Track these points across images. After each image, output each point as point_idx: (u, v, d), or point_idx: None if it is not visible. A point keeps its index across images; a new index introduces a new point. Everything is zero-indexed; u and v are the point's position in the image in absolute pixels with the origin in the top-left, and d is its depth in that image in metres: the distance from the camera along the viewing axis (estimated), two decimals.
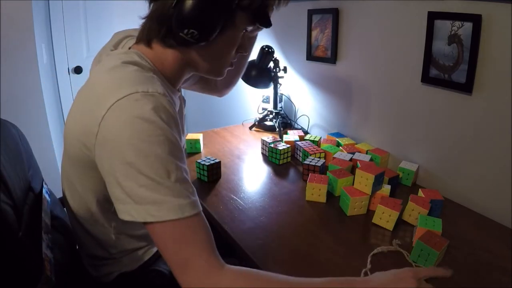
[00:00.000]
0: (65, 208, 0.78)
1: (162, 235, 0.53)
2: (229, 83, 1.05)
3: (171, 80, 0.70)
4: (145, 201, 0.52)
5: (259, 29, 0.68)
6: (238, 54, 0.71)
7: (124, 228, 0.74)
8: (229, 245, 0.86)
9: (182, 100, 0.87)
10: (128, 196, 0.53)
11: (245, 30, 0.66)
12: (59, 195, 0.97)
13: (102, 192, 0.64)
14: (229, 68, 0.72)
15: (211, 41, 0.61)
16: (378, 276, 0.61)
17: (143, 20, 0.66)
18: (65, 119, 2.37)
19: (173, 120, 0.57)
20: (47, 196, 0.82)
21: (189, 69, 0.71)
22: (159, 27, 0.62)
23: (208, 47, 0.64)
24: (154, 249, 0.82)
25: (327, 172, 1.05)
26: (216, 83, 1.04)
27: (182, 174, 0.56)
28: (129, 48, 0.69)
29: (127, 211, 0.54)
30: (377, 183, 0.94)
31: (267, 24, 0.65)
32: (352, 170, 1.11)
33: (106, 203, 0.67)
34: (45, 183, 0.86)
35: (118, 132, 0.53)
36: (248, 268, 0.57)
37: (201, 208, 0.57)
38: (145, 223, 0.53)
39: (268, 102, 1.72)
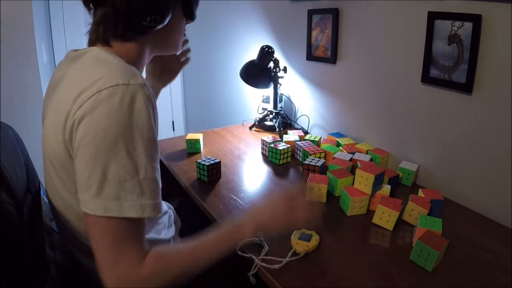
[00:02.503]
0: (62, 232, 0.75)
1: (104, 229, 0.54)
2: None
3: (138, 70, 0.71)
4: (107, 195, 0.53)
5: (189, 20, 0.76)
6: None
7: None
8: None
9: None
10: (89, 187, 0.53)
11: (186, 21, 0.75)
12: None
13: None
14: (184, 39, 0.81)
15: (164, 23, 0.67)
16: (256, 211, 0.71)
17: (91, 26, 0.68)
18: None
19: (154, 113, 0.58)
20: (45, 197, 0.82)
21: (150, 53, 0.75)
22: (115, 27, 0.65)
23: (164, 27, 0.68)
24: None
25: (327, 172, 1.05)
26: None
27: (153, 173, 0.56)
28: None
29: (85, 203, 0.54)
30: (377, 183, 0.94)
31: None
32: (352, 170, 1.11)
33: None
34: (42, 185, 0.86)
35: (98, 119, 0.53)
36: (162, 247, 0.60)
37: (162, 211, 0.58)
38: (86, 214, 0.54)
39: (268, 102, 1.72)
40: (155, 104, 0.60)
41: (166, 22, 0.67)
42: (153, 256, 0.57)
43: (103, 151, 0.53)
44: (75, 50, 0.69)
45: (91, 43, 0.68)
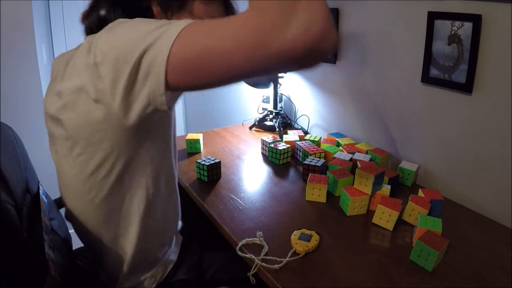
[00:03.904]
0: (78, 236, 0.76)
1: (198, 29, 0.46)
2: None
3: None
4: (160, 34, 0.47)
5: None
6: None
7: (150, 229, 0.73)
8: (229, 245, 0.86)
9: None
10: (145, 35, 0.48)
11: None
12: (54, 196, 0.97)
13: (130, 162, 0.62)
14: None
15: (174, 18, 0.64)
16: None
17: (87, 13, 0.65)
18: None
19: None
20: (44, 197, 0.82)
21: None
22: (113, 12, 0.63)
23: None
24: (172, 262, 0.82)
25: (327, 172, 1.05)
26: None
27: None
28: None
29: (154, 53, 0.47)
30: (377, 183, 0.94)
31: None
32: (352, 170, 1.11)
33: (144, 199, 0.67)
34: (41, 185, 0.86)
35: (110, 35, 0.52)
36: None
37: None
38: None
39: (268, 102, 1.72)
40: None
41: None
42: None
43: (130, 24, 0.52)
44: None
45: (89, 31, 0.66)
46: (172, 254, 0.83)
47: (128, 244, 0.71)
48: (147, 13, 0.64)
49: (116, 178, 0.63)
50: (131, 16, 0.56)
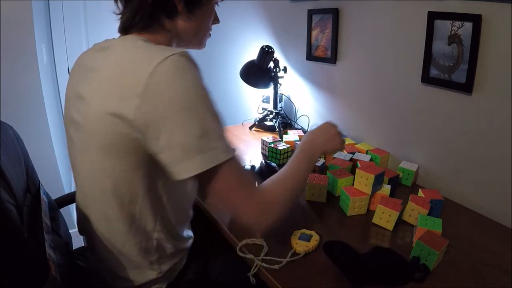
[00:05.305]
0: (92, 225, 0.74)
1: (220, 177, 0.60)
2: None
3: None
4: (201, 150, 0.57)
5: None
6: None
7: (167, 223, 0.73)
8: (229, 245, 0.86)
9: None
10: (184, 151, 0.57)
11: (217, 3, 0.77)
12: (55, 196, 0.97)
13: (147, 176, 0.65)
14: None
15: (195, 13, 0.71)
16: (313, 136, 0.87)
17: (122, 14, 0.69)
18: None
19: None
20: (44, 197, 0.82)
21: (176, 47, 0.75)
22: (148, 13, 0.67)
23: (193, 19, 0.71)
24: (185, 258, 0.82)
25: (327, 172, 1.05)
26: None
27: (220, 118, 0.62)
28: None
29: (185, 169, 0.57)
30: (377, 183, 0.94)
31: None
32: (352, 170, 1.11)
33: (152, 192, 0.68)
34: (42, 185, 0.86)
35: (172, 81, 0.56)
36: (267, 181, 0.72)
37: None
38: (200, 175, 0.58)
39: (268, 102, 1.72)
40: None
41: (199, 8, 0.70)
42: (268, 186, 0.70)
43: (186, 105, 0.56)
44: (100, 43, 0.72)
45: (123, 31, 0.70)
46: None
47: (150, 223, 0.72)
48: (172, 8, 0.68)
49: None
50: (156, 8, 0.66)
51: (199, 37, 0.78)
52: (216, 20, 0.81)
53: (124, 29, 0.70)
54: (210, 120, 0.58)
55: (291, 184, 0.73)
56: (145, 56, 0.58)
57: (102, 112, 0.60)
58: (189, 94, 0.57)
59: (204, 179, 0.61)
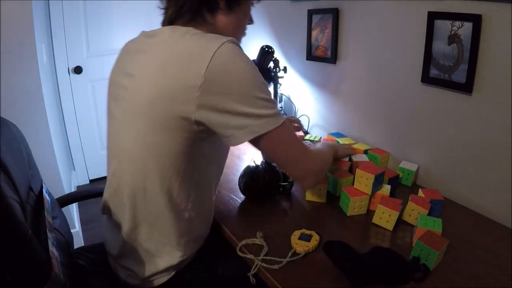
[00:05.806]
0: (126, 202, 0.76)
1: (278, 139, 0.72)
2: None
3: None
4: (264, 117, 0.67)
5: (259, 1, 0.84)
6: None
7: (198, 204, 0.77)
8: (229, 245, 0.86)
9: None
10: (248, 118, 0.66)
11: (252, 4, 0.82)
12: (57, 195, 0.97)
13: (189, 154, 0.70)
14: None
15: (235, 10, 0.76)
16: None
17: (167, 8, 0.75)
18: (65, 119, 2.37)
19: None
20: (47, 196, 0.82)
21: None
22: (194, 7, 0.73)
23: (232, 16, 0.77)
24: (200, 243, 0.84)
25: (327, 172, 1.05)
26: None
27: (268, 89, 0.71)
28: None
29: (249, 131, 0.67)
30: (377, 183, 0.94)
31: None
32: (352, 170, 1.11)
33: (189, 172, 0.72)
34: (44, 183, 0.86)
35: (232, 65, 0.64)
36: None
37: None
38: (258, 138, 0.69)
39: None
40: None
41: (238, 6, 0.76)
42: (314, 153, 0.83)
43: (249, 85, 0.66)
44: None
45: (169, 24, 0.75)
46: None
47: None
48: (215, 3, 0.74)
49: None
50: (200, 2, 0.72)
51: (236, 34, 0.81)
52: (250, 21, 0.84)
53: (170, 22, 0.74)
54: (267, 92, 0.68)
55: (329, 159, 0.94)
56: (201, 44, 0.65)
57: (154, 93, 0.65)
58: (247, 72, 0.66)
59: (264, 141, 0.70)
